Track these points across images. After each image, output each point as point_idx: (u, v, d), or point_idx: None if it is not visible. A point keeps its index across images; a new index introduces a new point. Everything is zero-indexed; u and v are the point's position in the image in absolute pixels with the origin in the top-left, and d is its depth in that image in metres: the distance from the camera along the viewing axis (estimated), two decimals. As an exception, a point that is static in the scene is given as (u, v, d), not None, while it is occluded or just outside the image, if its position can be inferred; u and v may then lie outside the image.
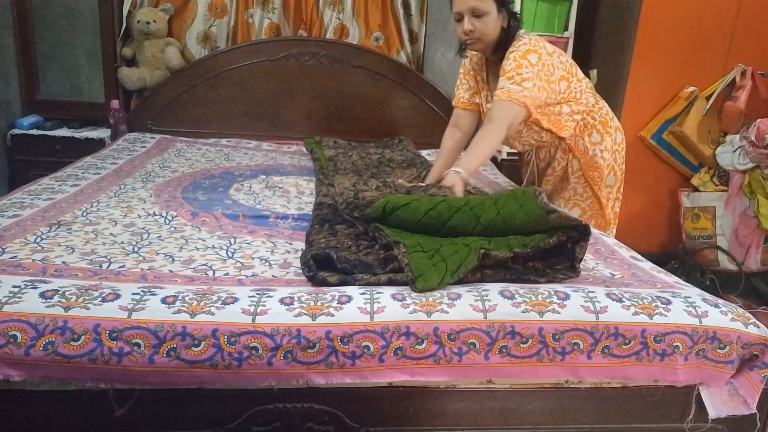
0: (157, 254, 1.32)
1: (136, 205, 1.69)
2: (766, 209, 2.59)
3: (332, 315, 1.02)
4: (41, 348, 0.94)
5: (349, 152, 2.57)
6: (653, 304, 1.12)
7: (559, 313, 1.08)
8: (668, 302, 1.13)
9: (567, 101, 1.75)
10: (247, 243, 1.45)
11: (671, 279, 1.34)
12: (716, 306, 1.15)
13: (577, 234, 1.20)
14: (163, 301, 1.02)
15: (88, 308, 0.98)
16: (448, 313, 1.05)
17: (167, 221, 1.58)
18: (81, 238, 1.38)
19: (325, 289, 1.13)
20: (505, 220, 1.22)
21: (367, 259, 1.25)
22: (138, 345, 0.95)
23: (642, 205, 2.94)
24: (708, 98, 2.76)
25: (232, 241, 1.46)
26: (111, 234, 1.43)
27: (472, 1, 1.66)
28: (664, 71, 2.75)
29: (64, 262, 1.21)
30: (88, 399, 0.99)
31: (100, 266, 1.22)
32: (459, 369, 1.05)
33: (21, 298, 0.99)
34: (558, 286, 1.17)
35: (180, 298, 1.03)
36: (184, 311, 0.99)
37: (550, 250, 1.21)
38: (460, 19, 1.70)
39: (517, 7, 2.84)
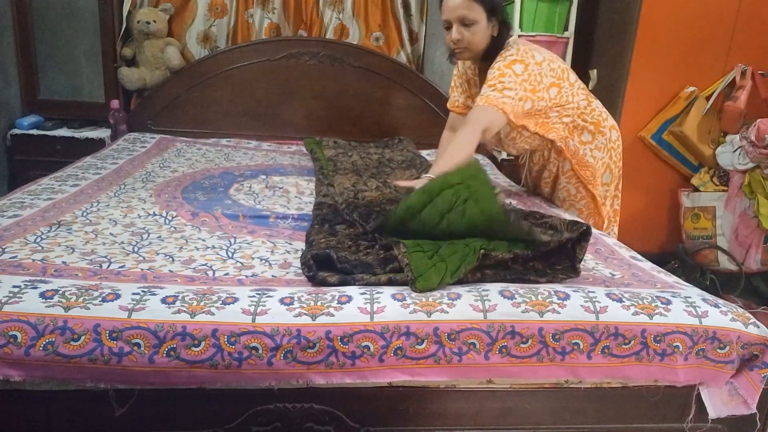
0: (157, 254, 1.32)
1: (136, 205, 1.69)
2: (766, 209, 2.59)
3: (332, 315, 1.02)
4: (41, 348, 0.94)
5: (349, 152, 2.57)
6: (653, 304, 1.12)
7: (559, 313, 1.08)
8: (668, 302, 1.13)
9: (558, 105, 1.73)
10: (247, 243, 1.45)
11: (671, 279, 1.34)
12: (716, 306, 1.15)
13: (578, 234, 1.20)
14: (163, 301, 1.02)
15: (88, 308, 0.98)
16: (448, 313, 1.05)
17: (167, 221, 1.58)
18: (81, 238, 1.38)
19: (325, 289, 1.13)
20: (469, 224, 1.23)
21: (367, 259, 1.25)
22: (138, 345, 0.95)
23: (642, 205, 2.94)
24: (708, 98, 2.76)
25: (232, 241, 1.46)
26: (111, 234, 1.43)
27: (460, 9, 1.64)
28: (664, 71, 2.74)
29: (64, 262, 1.21)
30: (88, 399, 0.99)
31: (100, 266, 1.22)
32: (459, 369, 1.05)
33: (21, 298, 0.99)
34: (558, 286, 1.17)
35: (180, 298, 1.03)
36: (184, 311, 0.99)
37: (550, 250, 1.20)
38: (448, 27, 1.69)
39: (517, 7, 2.85)
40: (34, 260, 1.21)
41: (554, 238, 1.18)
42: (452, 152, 1.57)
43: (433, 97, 3.04)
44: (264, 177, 2.20)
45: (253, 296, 1.06)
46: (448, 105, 2.07)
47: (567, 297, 1.11)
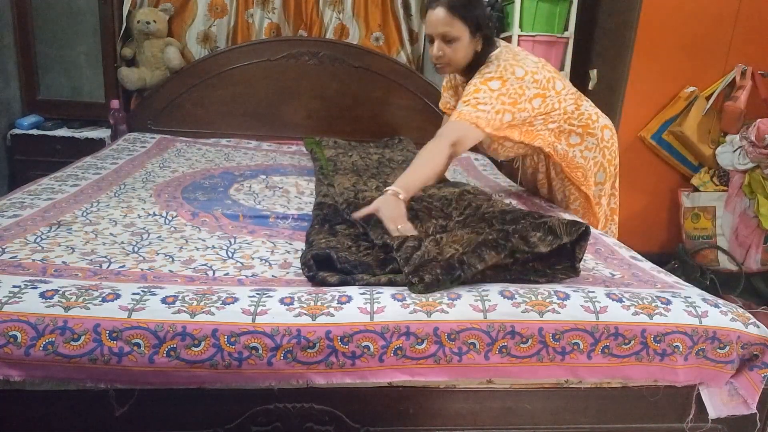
0: (157, 254, 1.32)
1: (136, 205, 1.69)
2: (766, 209, 2.59)
3: (332, 315, 1.02)
4: (41, 348, 0.93)
5: (349, 152, 2.57)
6: (653, 304, 1.12)
7: (559, 313, 1.08)
8: (668, 302, 1.13)
9: (542, 114, 1.70)
10: (247, 243, 1.45)
11: (671, 279, 1.34)
12: (716, 306, 1.15)
13: (576, 234, 1.20)
14: (163, 301, 1.02)
15: (88, 308, 0.98)
16: (448, 313, 1.05)
17: (167, 221, 1.58)
18: (81, 238, 1.38)
19: (325, 289, 1.13)
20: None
21: (367, 259, 1.25)
22: (138, 345, 0.95)
23: (642, 205, 2.94)
24: (708, 98, 2.76)
25: (232, 241, 1.46)
26: (111, 234, 1.43)
27: (441, 26, 1.61)
28: (664, 71, 2.74)
29: (64, 262, 1.21)
30: (88, 399, 0.99)
31: (100, 266, 1.22)
32: (459, 369, 1.05)
33: (21, 298, 0.99)
34: (558, 286, 1.17)
35: (180, 298, 1.03)
36: (184, 311, 0.99)
37: (549, 250, 1.20)
38: (432, 41, 1.67)
39: (517, 7, 2.85)
40: (34, 260, 1.21)
41: (553, 245, 1.18)
42: (418, 165, 1.51)
43: (433, 97, 3.03)
44: (264, 177, 2.20)
45: (253, 296, 1.06)
46: (440, 105, 2.07)
47: (567, 297, 1.11)
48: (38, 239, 1.34)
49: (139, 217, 1.59)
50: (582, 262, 1.25)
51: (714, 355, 1.10)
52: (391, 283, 1.15)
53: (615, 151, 1.89)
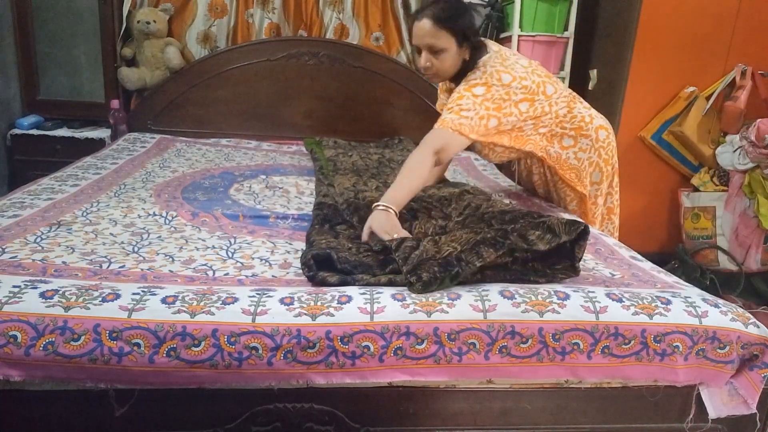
0: (157, 254, 1.32)
1: (136, 205, 1.69)
2: (766, 209, 2.59)
3: (332, 315, 1.02)
4: (41, 348, 0.93)
5: (349, 152, 2.57)
6: (653, 304, 1.12)
7: (559, 313, 1.08)
8: (668, 302, 1.13)
9: (532, 118, 1.69)
10: (247, 243, 1.45)
11: (671, 279, 1.34)
12: (716, 306, 1.15)
13: (576, 234, 1.20)
14: (163, 301, 1.02)
15: (88, 308, 0.98)
16: (448, 313, 1.05)
17: (167, 221, 1.58)
18: (81, 238, 1.38)
19: (325, 289, 1.13)
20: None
21: (367, 260, 1.25)
22: (138, 345, 0.95)
23: (642, 205, 2.94)
24: (708, 98, 2.76)
25: (232, 241, 1.46)
26: (111, 234, 1.43)
27: (427, 38, 1.60)
28: (664, 71, 2.75)
29: (64, 262, 1.21)
30: (88, 399, 0.99)
31: (100, 266, 1.22)
32: (459, 369, 1.05)
33: (21, 298, 0.99)
34: (558, 286, 1.17)
35: (180, 298, 1.03)
36: (184, 311, 0.99)
37: (549, 250, 1.20)
38: (419, 52, 1.67)
39: (517, 7, 2.85)
40: (34, 260, 1.21)
41: (552, 244, 1.18)
42: (403, 178, 1.49)
43: (432, 97, 3.02)
44: (264, 177, 2.21)
45: (253, 296, 1.06)
46: (437, 106, 2.07)
47: (567, 297, 1.11)
48: (38, 239, 1.34)
49: (139, 217, 1.59)
50: (582, 262, 1.25)
51: (714, 355, 1.10)
52: (391, 284, 1.15)
53: (611, 151, 1.88)
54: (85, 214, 1.57)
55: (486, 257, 1.13)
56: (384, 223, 1.36)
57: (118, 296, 1.01)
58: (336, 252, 1.23)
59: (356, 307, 1.04)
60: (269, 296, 1.06)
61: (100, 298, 1.00)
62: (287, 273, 1.27)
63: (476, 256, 1.13)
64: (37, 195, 1.70)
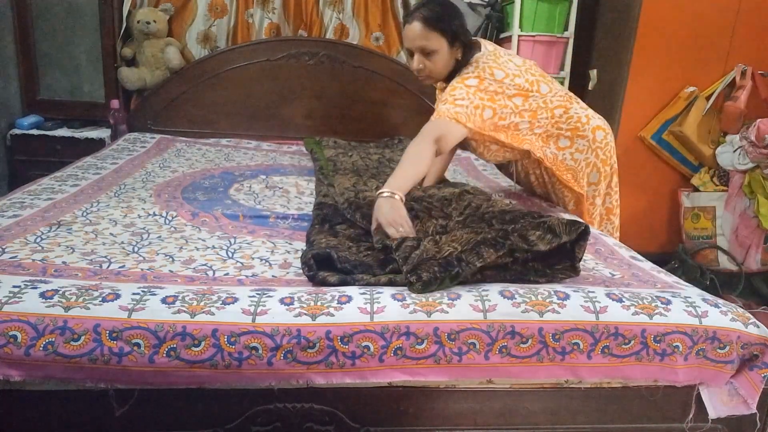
0: (157, 254, 1.32)
1: (136, 205, 1.69)
2: (766, 209, 2.59)
3: (332, 315, 1.02)
4: (41, 348, 0.93)
5: (349, 152, 2.57)
6: (653, 304, 1.12)
7: (559, 313, 1.08)
8: (668, 302, 1.13)
9: (528, 112, 1.69)
10: (247, 243, 1.45)
11: (671, 279, 1.34)
12: (716, 306, 1.15)
13: (576, 234, 1.20)
14: (163, 301, 1.02)
15: (88, 308, 0.98)
16: (448, 313, 1.05)
17: (167, 221, 1.58)
18: (81, 238, 1.38)
19: (325, 289, 1.13)
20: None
21: (367, 259, 1.25)
22: (138, 345, 0.95)
23: (642, 205, 2.94)
24: (708, 98, 2.76)
25: (232, 241, 1.46)
26: (111, 234, 1.43)
27: (419, 41, 1.62)
28: (664, 71, 2.75)
29: (64, 262, 1.21)
30: (88, 399, 0.99)
31: (100, 266, 1.22)
32: (459, 369, 1.05)
33: (21, 298, 0.99)
34: (558, 286, 1.17)
35: (180, 298, 1.03)
36: (184, 311, 0.99)
37: (549, 250, 1.20)
38: (411, 54, 1.68)
39: (517, 7, 2.85)
40: (34, 260, 1.21)
41: (553, 244, 1.18)
42: (405, 164, 1.49)
43: (432, 97, 3.01)
44: (264, 177, 2.21)
45: (253, 296, 1.06)
46: (435, 107, 2.07)
47: (567, 297, 1.11)
48: (38, 239, 1.34)
49: (139, 217, 1.59)
50: (582, 262, 1.25)
51: (714, 355, 1.10)
52: (391, 283, 1.15)
53: (609, 151, 1.87)
54: (85, 214, 1.57)
55: (486, 257, 1.13)
56: (389, 212, 1.33)
57: (118, 296, 1.01)
58: (336, 251, 1.23)
59: (356, 307, 1.04)
60: (269, 296, 1.06)
61: (100, 298, 1.00)
62: (287, 273, 1.27)
63: (476, 256, 1.13)
64: (37, 195, 1.70)
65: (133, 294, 1.03)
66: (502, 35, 3.09)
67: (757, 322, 1.14)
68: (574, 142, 1.81)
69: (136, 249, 1.34)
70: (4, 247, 1.26)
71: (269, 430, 1.05)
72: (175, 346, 0.96)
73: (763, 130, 2.52)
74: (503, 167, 2.80)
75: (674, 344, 1.09)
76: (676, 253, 2.89)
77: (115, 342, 0.95)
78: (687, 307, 1.13)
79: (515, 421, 1.13)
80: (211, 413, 1.04)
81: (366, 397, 1.06)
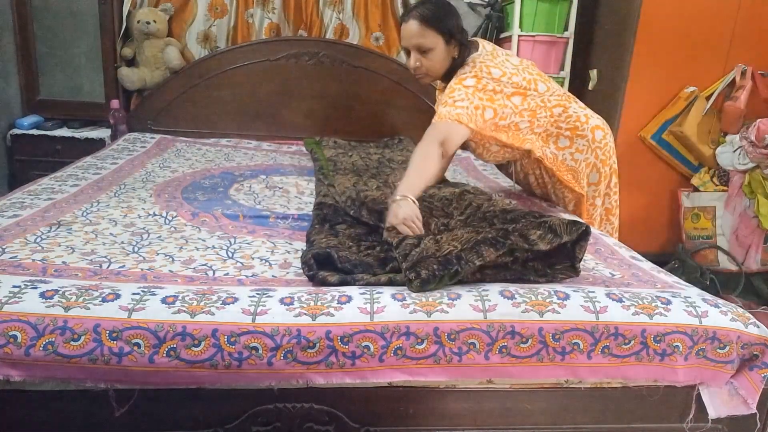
0: (157, 254, 1.32)
1: (136, 205, 1.69)
2: (766, 209, 2.59)
3: (332, 315, 1.02)
4: (41, 348, 0.93)
5: (349, 152, 2.57)
6: (653, 304, 1.12)
7: (559, 313, 1.08)
8: (668, 302, 1.13)
9: (527, 111, 1.70)
10: (247, 243, 1.45)
11: (671, 279, 1.34)
12: (716, 306, 1.15)
13: (576, 234, 1.20)
14: (163, 301, 1.02)
15: (88, 308, 0.98)
16: (448, 313, 1.05)
17: (167, 221, 1.58)
18: (81, 238, 1.38)
19: (325, 289, 1.13)
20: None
21: (368, 259, 1.25)
22: (138, 345, 0.95)
23: (642, 205, 2.94)
24: (708, 98, 2.76)
25: (232, 241, 1.46)
26: (111, 234, 1.43)
27: (415, 39, 1.64)
28: (664, 71, 2.74)
29: (64, 262, 1.21)
30: (88, 399, 0.99)
31: (100, 266, 1.22)
32: (459, 369, 1.05)
33: (21, 298, 0.99)
34: (558, 286, 1.17)
35: (180, 298, 1.03)
36: (184, 311, 0.99)
37: (549, 250, 1.20)
38: (408, 53, 1.69)
39: (517, 7, 2.85)
40: (34, 260, 1.21)
41: (553, 244, 1.18)
42: (415, 168, 1.49)
43: (432, 97, 3.01)
44: (264, 177, 2.21)
45: (253, 296, 1.06)
46: (435, 107, 2.07)
47: (567, 297, 1.11)
48: (38, 239, 1.34)
49: (139, 217, 1.59)
50: (582, 262, 1.25)
51: (714, 355, 1.10)
52: (391, 283, 1.15)
53: (609, 151, 1.87)
54: (85, 214, 1.57)
55: (486, 256, 1.13)
56: (403, 213, 1.34)
57: (118, 296, 1.01)
58: (336, 251, 1.23)
59: (356, 307, 1.05)
60: (269, 296, 1.06)
61: (100, 298, 1.00)
62: (287, 273, 1.27)
63: (476, 255, 1.13)
64: (37, 195, 1.70)
65: (133, 294, 1.03)
66: (502, 35, 3.09)
67: (757, 322, 1.14)
68: (573, 141, 1.81)
69: (136, 249, 1.34)
70: (4, 247, 1.26)
71: (269, 430, 1.05)
72: (175, 346, 0.96)
73: (763, 130, 2.52)
74: (503, 167, 2.80)
75: (674, 344, 1.09)
76: (676, 253, 2.89)
77: (115, 342, 0.95)
78: (687, 307, 1.13)
79: (515, 421, 1.13)
80: (211, 413, 1.04)
81: (366, 397, 1.06)
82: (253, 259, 1.34)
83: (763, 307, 2.57)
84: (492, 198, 1.65)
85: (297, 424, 1.06)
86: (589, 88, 3.01)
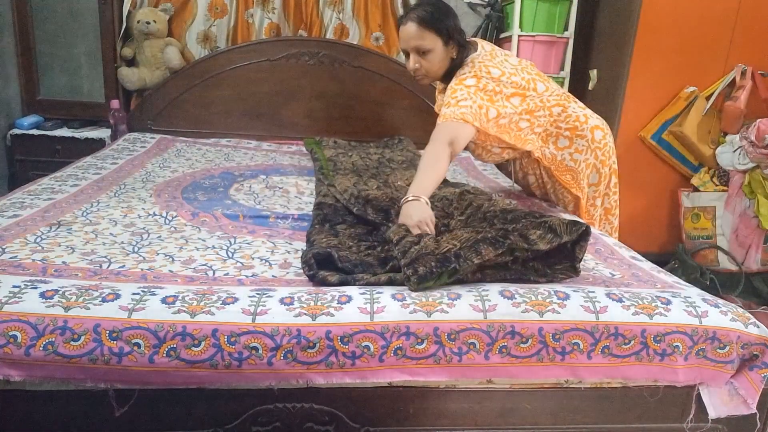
0: (157, 254, 1.32)
1: (136, 205, 1.69)
2: (766, 209, 2.59)
3: (332, 315, 1.02)
4: (41, 348, 0.93)
5: (349, 152, 2.57)
6: (653, 304, 1.12)
7: (559, 313, 1.08)
8: (668, 302, 1.13)
9: (527, 112, 1.71)
10: (247, 243, 1.45)
11: (671, 279, 1.34)
12: (716, 306, 1.15)
13: (576, 234, 1.20)
14: (163, 301, 1.02)
15: (88, 308, 0.98)
16: (448, 313, 1.05)
17: (167, 221, 1.58)
18: (81, 238, 1.38)
19: (325, 289, 1.13)
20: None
21: (368, 259, 1.25)
22: (138, 345, 0.95)
23: (642, 205, 2.94)
24: (708, 98, 2.76)
25: (232, 241, 1.46)
26: (111, 234, 1.43)
27: (414, 40, 1.64)
28: (664, 71, 2.75)
29: (64, 262, 1.21)
30: (88, 399, 0.99)
31: (100, 266, 1.22)
32: (459, 369, 1.05)
33: (21, 298, 0.99)
34: (558, 286, 1.17)
35: (180, 298, 1.03)
36: (184, 311, 0.99)
37: (549, 250, 1.20)
38: (407, 55, 1.70)
39: (517, 7, 2.85)
40: (34, 260, 1.21)
41: (553, 244, 1.18)
42: (425, 170, 1.49)
43: (432, 97, 3.02)
44: (264, 177, 2.21)
45: (253, 296, 1.06)
46: (435, 108, 2.07)
47: (567, 297, 1.11)
48: (38, 239, 1.34)
49: (139, 217, 1.59)
50: (582, 262, 1.25)
51: (714, 355, 1.10)
52: (391, 282, 1.15)
53: (609, 152, 1.87)
54: (85, 214, 1.57)
55: (485, 255, 1.13)
56: (417, 214, 1.33)
57: (118, 296, 1.01)
58: (336, 251, 1.23)
59: (356, 307, 1.05)
60: (269, 296, 1.06)
61: (100, 298, 1.00)
62: (287, 273, 1.27)
63: (475, 253, 1.13)
64: (37, 195, 1.70)
65: (133, 294, 1.03)
66: (502, 35, 3.09)
67: (757, 322, 1.14)
68: (573, 142, 1.81)
69: (136, 249, 1.34)
70: (4, 247, 1.26)
71: (269, 430, 1.05)
72: (175, 346, 0.96)
73: (763, 130, 2.52)
74: (502, 167, 2.80)
75: (674, 344, 1.09)
76: (676, 253, 2.89)
77: (115, 342, 0.95)
78: (687, 307, 1.13)
79: (515, 421, 1.13)
80: (211, 413, 1.04)
81: (366, 397, 1.06)
82: (253, 259, 1.34)
83: (763, 307, 2.57)
84: (492, 198, 1.65)
85: (297, 424, 1.06)
86: (589, 88, 3.01)
